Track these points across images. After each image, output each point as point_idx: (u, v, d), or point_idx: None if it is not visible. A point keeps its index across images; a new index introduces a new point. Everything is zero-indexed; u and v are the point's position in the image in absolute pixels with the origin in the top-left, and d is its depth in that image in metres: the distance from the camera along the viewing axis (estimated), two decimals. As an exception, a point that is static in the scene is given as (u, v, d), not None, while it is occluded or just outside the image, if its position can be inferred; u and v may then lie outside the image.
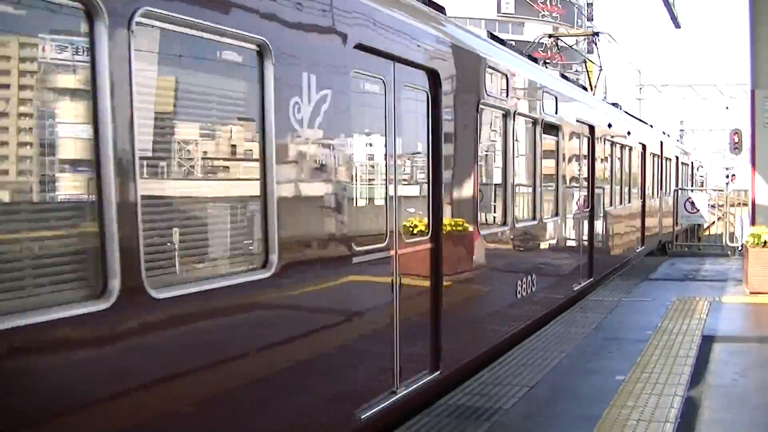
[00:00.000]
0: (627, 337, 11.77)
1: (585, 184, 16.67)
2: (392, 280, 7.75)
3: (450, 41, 9.23)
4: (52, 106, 4.45)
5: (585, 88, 19.49)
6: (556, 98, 13.73)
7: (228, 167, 5.79)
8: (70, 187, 4.57)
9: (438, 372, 8.64)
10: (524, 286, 12.15)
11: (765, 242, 15.63)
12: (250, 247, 5.90)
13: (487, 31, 12.04)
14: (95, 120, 4.42)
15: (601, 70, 27.43)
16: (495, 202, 11.37)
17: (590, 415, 7.97)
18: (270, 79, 5.75)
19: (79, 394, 4.30)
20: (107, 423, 4.48)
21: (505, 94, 11.03)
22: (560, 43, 28.90)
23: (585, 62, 27.89)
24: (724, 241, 26.66)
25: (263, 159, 5.77)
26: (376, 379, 7.57)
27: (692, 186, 43.45)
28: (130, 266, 4.51)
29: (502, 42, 12.05)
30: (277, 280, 5.79)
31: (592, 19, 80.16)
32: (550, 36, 29.78)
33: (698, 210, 26.95)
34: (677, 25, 22.38)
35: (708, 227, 31.43)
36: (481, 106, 10.00)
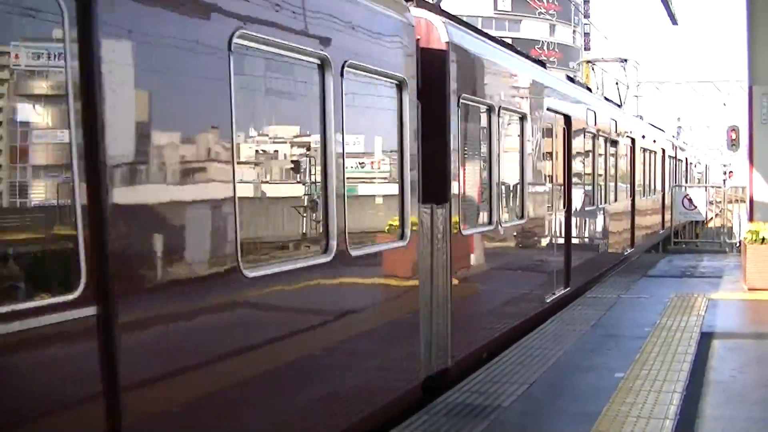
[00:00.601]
0: (625, 334, 11.76)
1: (559, 181, 14.80)
2: None
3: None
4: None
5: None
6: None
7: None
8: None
9: None
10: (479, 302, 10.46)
11: (763, 239, 15.63)
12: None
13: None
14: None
15: (628, 88, 28.93)
16: None
17: (589, 412, 7.95)
18: None
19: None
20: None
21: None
22: (556, 41, 31.86)
23: (590, 65, 29.10)
24: (722, 238, 26.68)
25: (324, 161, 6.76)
26: None
27: (689, 182, 43.56)
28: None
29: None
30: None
31: (589, 16, 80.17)
32: (587, 62, 33.62)
33: (696, 207, 26.97)
34: (675, 22, 22.39)
35: (708, 221, 31.51)
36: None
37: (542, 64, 15.30)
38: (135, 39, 4.65)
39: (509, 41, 13.27)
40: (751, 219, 17.27)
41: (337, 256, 6.75)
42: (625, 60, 29.55)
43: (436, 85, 9.08)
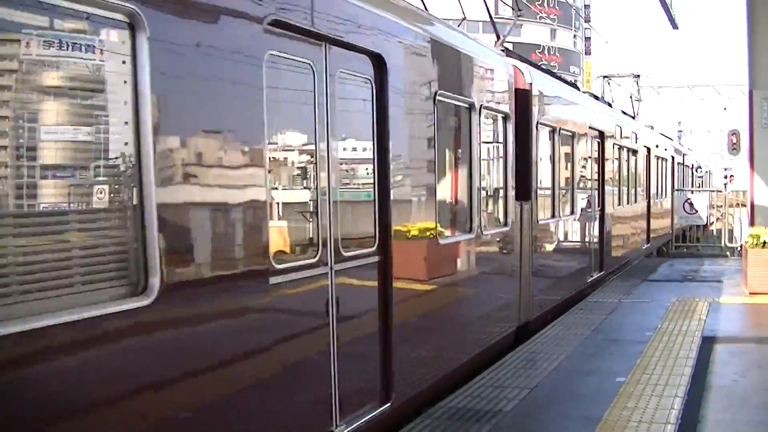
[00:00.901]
0: (627, 338, 11.76)
1: (595, 185, 17.62)
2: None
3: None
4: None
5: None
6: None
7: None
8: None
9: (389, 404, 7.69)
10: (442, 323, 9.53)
11: (764, 243, 15.63)
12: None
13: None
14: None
15: (640, 101, 30.28)
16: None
17: (591, 417, 7.96)
18: None
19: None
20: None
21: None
22: (557, 46, 33.57)
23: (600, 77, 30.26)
24: (723, 242, 26.67)
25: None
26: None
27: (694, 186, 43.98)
28: None
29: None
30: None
31: (589, 21, 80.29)
32: (604, 77, 36.57)
33: (697, 211, 26.97)
34: (675, 26, 22.41)
35: (711, 225, 31.57)
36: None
37: (575, 85, 19.65)
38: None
39: (510, 46, 13.66)
40: (752, 223, 17.28)
41: (477, 234, 10.23)
42: (638, 75, 33.76)
43: (524, 115, 12.23)
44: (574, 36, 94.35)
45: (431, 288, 8.95)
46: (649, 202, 25.28)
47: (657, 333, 11.96)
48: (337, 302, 6.73)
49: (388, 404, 7.60)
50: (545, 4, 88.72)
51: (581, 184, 16.26)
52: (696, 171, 44.35)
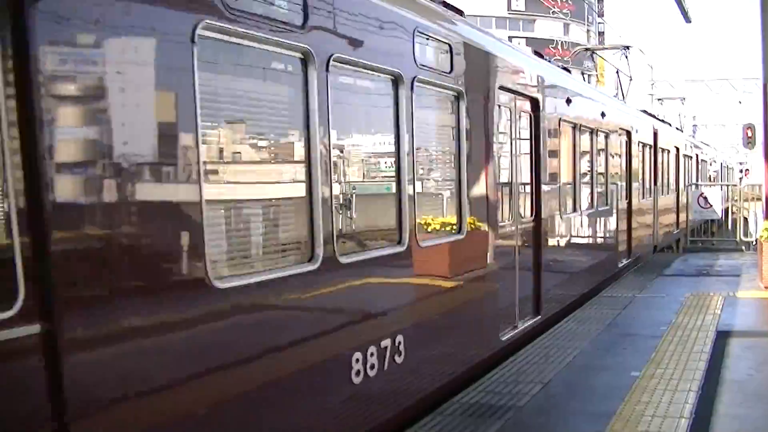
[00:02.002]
0: (641, 333, 11.73)
1: (623, 180, 19.09)
2: None
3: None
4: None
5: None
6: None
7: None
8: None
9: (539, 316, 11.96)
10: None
11: (779, 236, 15.56)
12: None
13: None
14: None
15: (631, 80, 28.96)
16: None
17: (605, 412, 7.94)
18: None
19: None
20: None
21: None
22: (570, 40, 33.10)
23: (617, 73, 29.08)
24: (738, 236, 26.55)
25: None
26: None
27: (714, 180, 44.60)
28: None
29: None
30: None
31: (603, 15, 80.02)
32: (586, 50, 35.31)
33: (711, 205, 26.84)
34: (688, 20, 22.32)
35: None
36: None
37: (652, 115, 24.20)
38: None
39: (523, 42, 13.79)
40: (767, 217, 17.19)
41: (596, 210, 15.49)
42: (628, 47, 29.49)
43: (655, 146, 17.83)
44: (588, 31, 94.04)
45: (566, 243, 13.85)
46: (678, 195, 28.05)
47: (671, 328, 11.92)
48: (519, 248, 11.13)
49: (539, 317, 11.86)
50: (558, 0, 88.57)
51: (610, 180, 17.70)
52: (705, 164, 44.43)
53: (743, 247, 25.27)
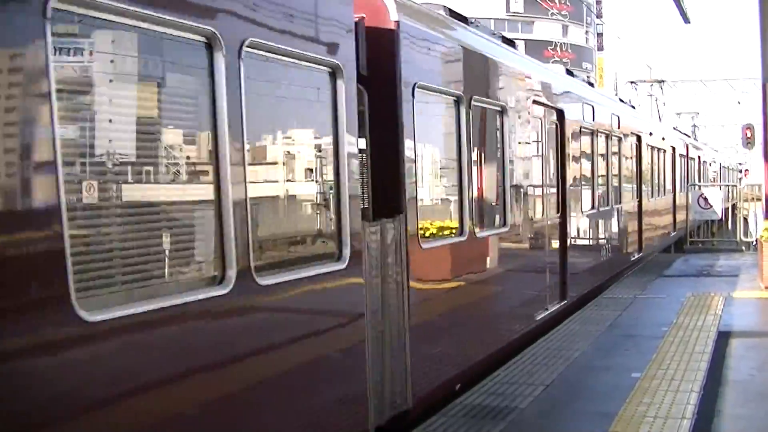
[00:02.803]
0: (642, 333, 11.74)
1: (634, 182, 20.93)
2: None
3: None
4: None
5: None
6: None
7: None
8: None
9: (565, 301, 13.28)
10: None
11: (780, 236, 15.56)
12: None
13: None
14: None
15: (665, 105, 32.89)
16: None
17: (606, 413, 7.94)
18: None
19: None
20: None
21: None
22: (569, 42, 36.65)
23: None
24: (738, 236, 26.56)
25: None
26: None
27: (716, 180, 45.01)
28: None
29: None
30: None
31: (601, 16, 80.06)
32: (631, 83, 43.17)
33: (711, 206, 26.85)
34: (687, 20, 22.33)
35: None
36: None
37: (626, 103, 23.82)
38: None
39: (522, 43, 14.01)
40: (767, 216, 17.20)
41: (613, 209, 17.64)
42: (663, 81, 37.95)
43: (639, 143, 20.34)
44: (586, 32, 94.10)
45: (586, 237, 15.82)
46: (687, 194, 29.00)
47: (672, 328, 11.93)
48: (549, 239, 12.75)
49: (565, 301, 13.19)
50: (557, 1, 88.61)
51: (623, 181, 19.17)
52: (705, 165, 44.77)
53: (743, 247, 25.28)
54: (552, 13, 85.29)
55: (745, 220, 27.11)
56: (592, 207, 15.91)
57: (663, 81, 34.30)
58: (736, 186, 35.12)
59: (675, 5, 21.06)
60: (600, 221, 16.77)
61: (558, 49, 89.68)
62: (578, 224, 14.90)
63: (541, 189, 12.52)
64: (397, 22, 7.74)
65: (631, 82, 43.74)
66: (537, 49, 74.13)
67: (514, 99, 11.10)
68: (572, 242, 14.20)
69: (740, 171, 68.44)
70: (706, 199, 27.03)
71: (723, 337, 11.28)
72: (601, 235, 17.15)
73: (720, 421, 7.78)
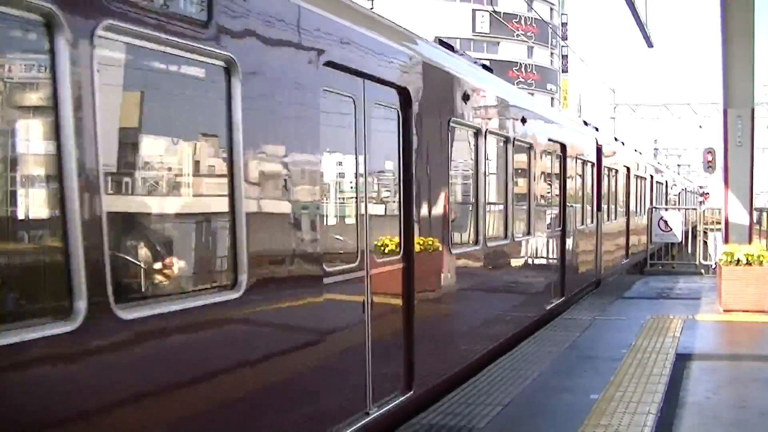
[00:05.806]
0: (601, 355, 11.75)
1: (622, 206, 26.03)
2: None
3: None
4: None
5: None
6: None
7: None
8: None
9: (563, 298, 16.50)
10: None
11: (738, 260, 15.68)
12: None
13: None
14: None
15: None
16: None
17: (564, 434, 7.92)
18: None
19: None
20: None
21: None
22: (534, 63, 37.31)
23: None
24: (697, 260, 26.76)
25: None
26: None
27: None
28: None
29: None
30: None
31: (566, 39, 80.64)
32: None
33: (671, 228, 27.02)
34: (650, 45, 22.54)
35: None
36: None
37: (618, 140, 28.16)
38: None
39: (487, 63, 13.77)
40: (726, 240, 17.35)
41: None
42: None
43: (599, 163, 20.73)
44: (551, 54, 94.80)
45: (580, 246, 18.37)
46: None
47: (631, 350, 11.95)
48: (553, 249, 15.81)
49: (563, 298, 16.10)
50: (522, 22, 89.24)
51: (615, 206, 24.23)
52: (667, 187, 45.24)
53: (702, 271, 25.46)
54: (517, 35, 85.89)
55: (705, 243, 27.26)
56: (583, 223, 18.85)
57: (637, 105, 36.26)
58: (696, 209, 35.30)
59: (639, 29, 21.26)
60: (593, 233, 20.22)
61: (523, 69, 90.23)
62: (574, 236, 17.83)
63: (549, 209, 16.00)
64: None
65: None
66: (502, 69, 74.43)
67: (540, 138, 14.65)
68: (570, 250, 17.17)
69: (701, 194, 69.24)
70: (666, 222, 27.20)
71: (681, 360, 11.32)
72: (592, 245, 20.23)
73: (676, 443, 7.79)
